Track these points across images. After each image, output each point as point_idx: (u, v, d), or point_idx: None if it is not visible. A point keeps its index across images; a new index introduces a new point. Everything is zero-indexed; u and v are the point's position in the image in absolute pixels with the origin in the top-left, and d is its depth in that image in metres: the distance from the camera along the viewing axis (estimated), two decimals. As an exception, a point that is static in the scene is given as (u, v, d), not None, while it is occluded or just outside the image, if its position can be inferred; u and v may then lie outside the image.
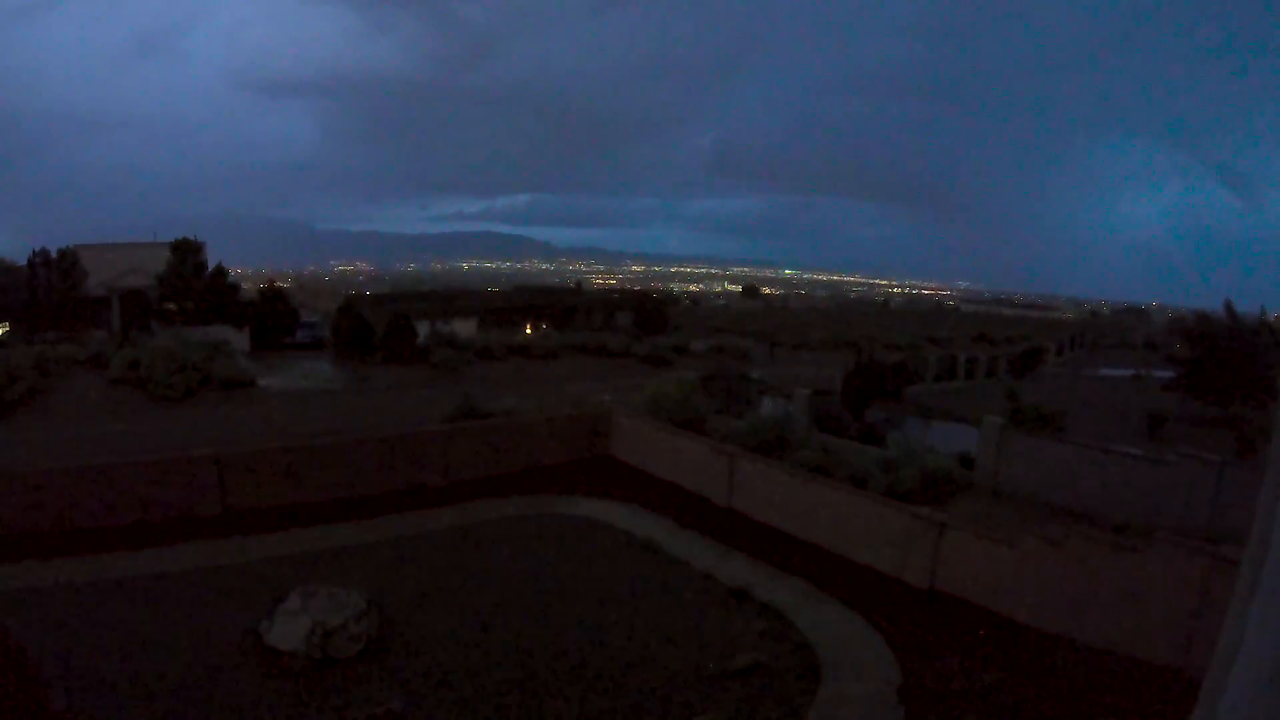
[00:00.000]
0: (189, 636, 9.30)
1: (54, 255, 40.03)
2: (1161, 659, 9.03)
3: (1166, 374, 30.51)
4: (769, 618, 10.40)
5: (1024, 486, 15.77)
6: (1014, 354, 43.09)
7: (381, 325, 35.17)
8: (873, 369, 27.43)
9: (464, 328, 41.36)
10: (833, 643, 9.75)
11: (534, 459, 17.29)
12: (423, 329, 36.54)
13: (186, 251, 40.82)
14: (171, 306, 40.03)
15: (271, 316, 39.90)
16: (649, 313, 54.14)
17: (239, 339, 36.31)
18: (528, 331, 45.45)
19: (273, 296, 42.03)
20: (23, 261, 40.46)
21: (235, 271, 50.16)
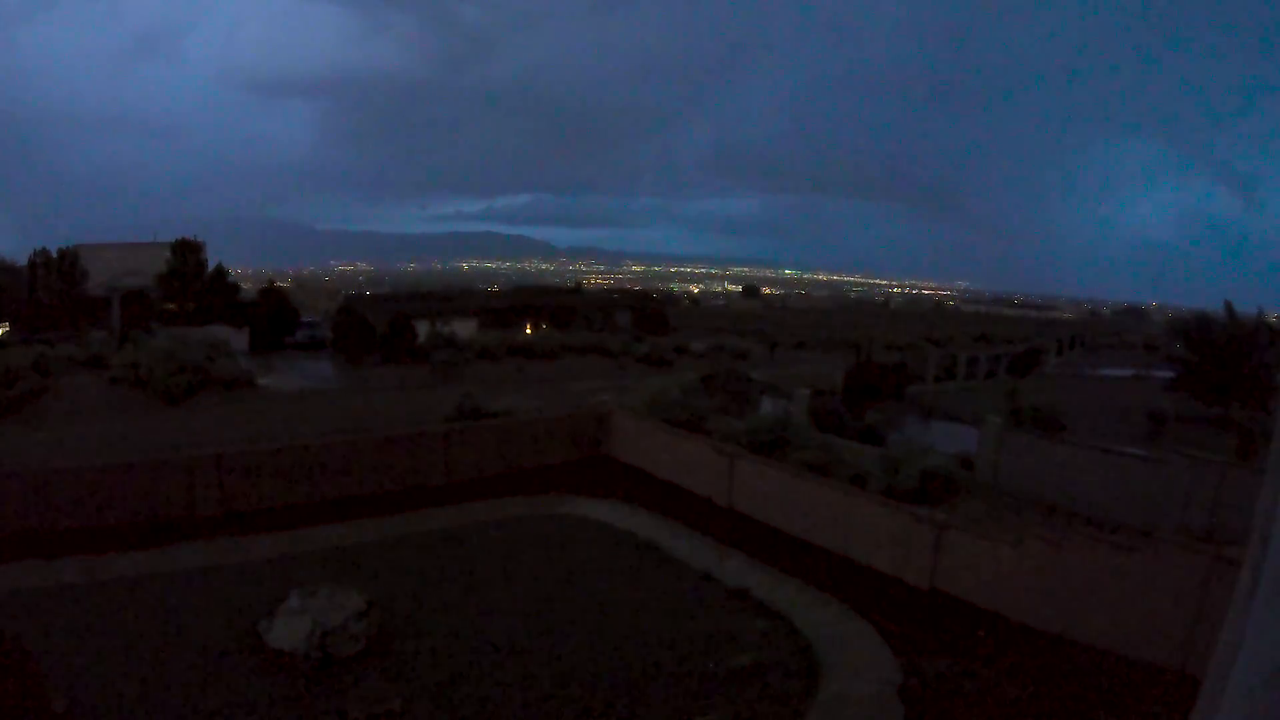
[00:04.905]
0: (189, 636, 9.30)
1: (54, 255, 40.02)
2: (1161, 659, 9.03)
3: (1166, 374, 30.50)
4: (769, 618, 10.40)
5: (1024, 486, 15.75)
6: (1014, 354, 43.10)
7: (381, 325, 35.18)
8: (873, 369, 27.45)
9: (464, 328, 41.34)
10: (833, 643, 9.75)
11: (534, 459, 17.28)
12: (423, 329, 36.52)
13: (186, 251, 40.86)
14: (171, 306, 40.05)
15: (271, 316, 39.89)
16: (649, 313, 54.19)
17: (238, 339, 36.28)
18: (528, 331, 45.47)
19: (273, 296, 42.05)
20: (23, 261, 40.47)
21: (235, 271, 50.18)
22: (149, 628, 9.54)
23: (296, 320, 41.60)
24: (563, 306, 52.52)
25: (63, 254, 40.26)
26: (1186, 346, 28.89)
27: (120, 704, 7.83)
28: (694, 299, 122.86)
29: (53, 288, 39.41)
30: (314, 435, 17.25)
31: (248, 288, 50.42)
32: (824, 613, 10.66)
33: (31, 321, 37.75)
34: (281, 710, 7.84)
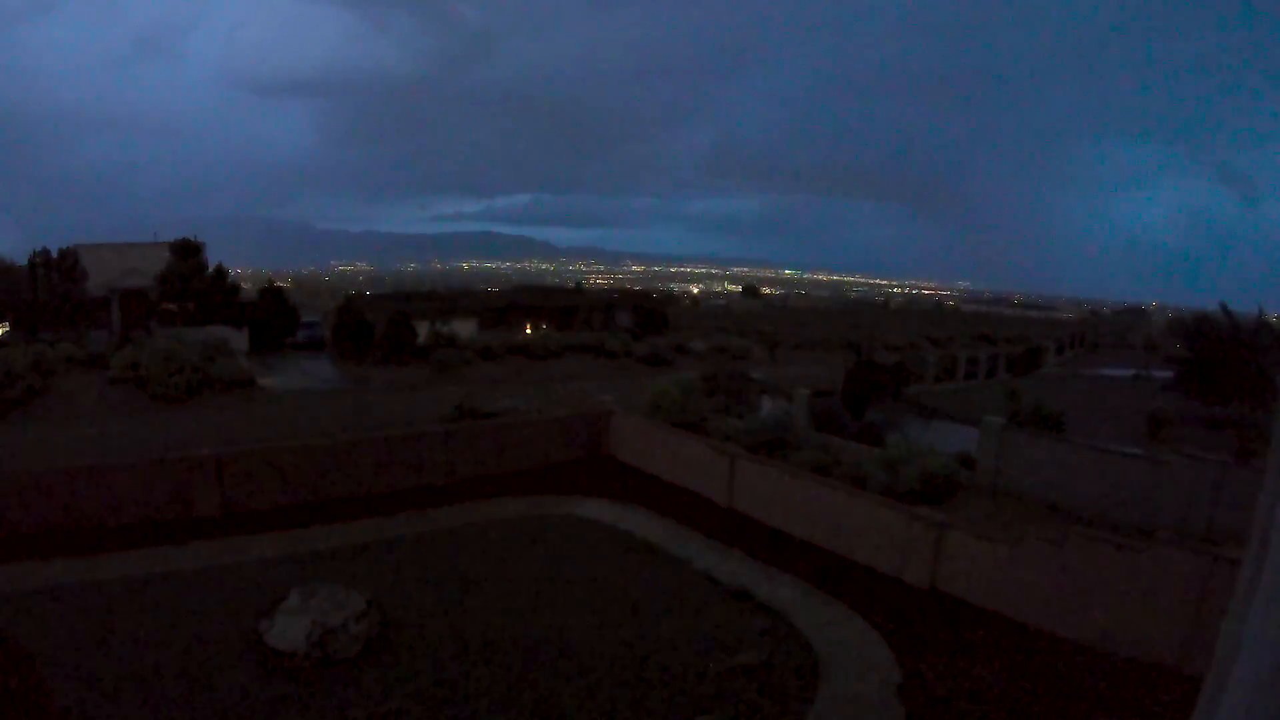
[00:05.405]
0: (189, 636, 9.30)
1: (54, 255, 39.96)
2: (1161, 659, 9.04)
3: (1166, 374, 30.53)
4: (769, 618, 10.40)
5: (1024, 486, 15.76)
6: (1014, 354, 43.12)
7: (381, 325, 35.18)
8: (872, 369, 27.42)
9: (464, 328, 41.34)
10: (833, 643, 9.75)
11: (534, 459, 17.28)
12: (423, 329, 36.53)
13: (186, 251, 40.78)
14: (171, 306, 40.00)
15: (271, 316, 39.86)
16: (649, 313, 54.08)
17: (238, 339, 36.29)
18: (528, 331, 45.44)
19: (273, 296, 41.98)
20: (23, 261, 40.39)
21: (235, 271, 50.08)
22: (148, 628, 9.53)
23: (296, 320, 41.60)
24: (563, 306, 52.46)
25: (63, 254, 40.17)
26: (1186, 346, 28.91)
27: (120, 704, 7.83)
28: (694, 299, 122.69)
29: (53, 288, 39.34)
30: (314, 435, 17.25)
31: (248, 288, 50.31)
32: (824, 613, 10.66)
33: (31, 321, 37.70)
34: (281, 710, 7.84)
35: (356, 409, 23.78)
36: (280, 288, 47.20)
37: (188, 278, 39.93)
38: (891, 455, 15.58)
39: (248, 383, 26.42)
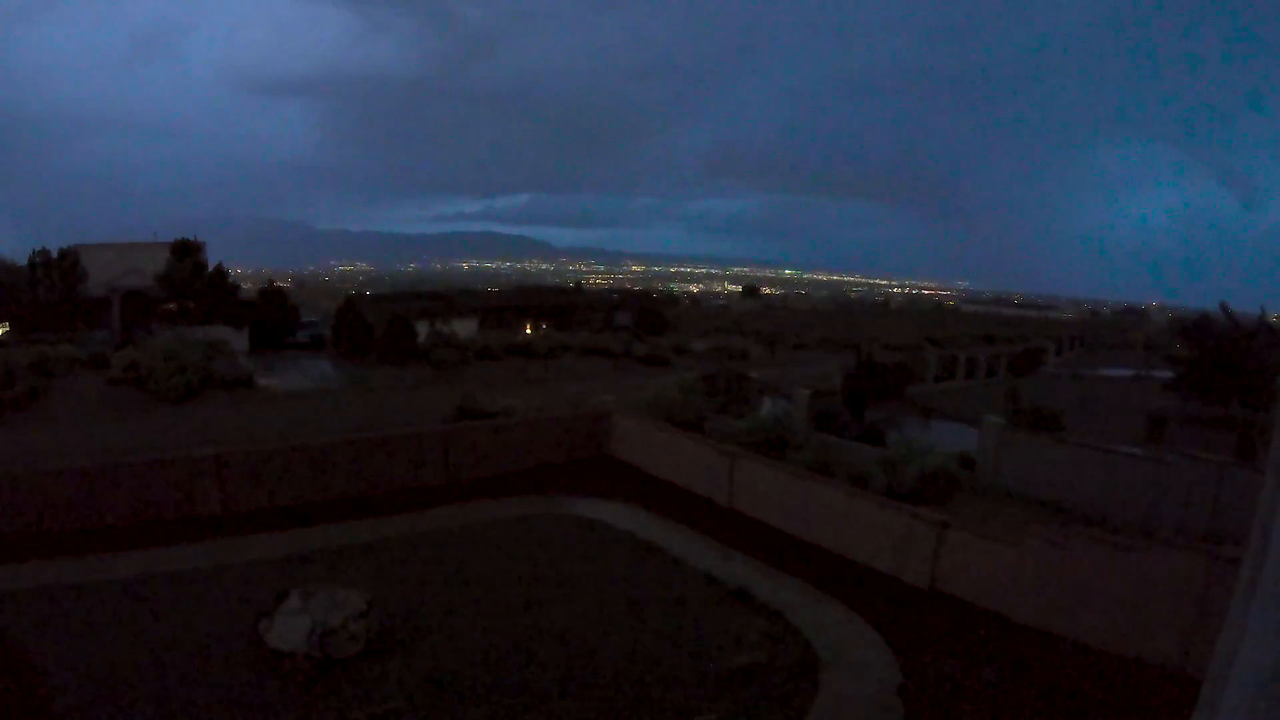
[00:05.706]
0: (189, 636, 9.29)
1: (54, 255, 39.97)
2: (1161, 659, 9.04)
3: (1166, 374, 30.51)
4: (769, 618, 10.40)
5: (1024, 486, 15.77)
6: (1014, 354, 43.15)
7: (381, 325, 35.17)
8: (872, 369, 27.47)
9: (464, 328, 41.32)
10: (833, 643, 9.75)
11: (534, 459, 17.28)
12: (423, 329, 36.52)
13: (186, 251, 40.80)
14: (171, 306, 40.02)
15: (271, 316, 39.90)
16: (648, 313, 54.11)
17: (238, 339, 36.32)
18: (528, 331, 45.44)
19: (273, 296, 42.01)
20: (23, 261, 40.40)
21: (235, 271, 50.12)
22: (149, 628, 9.53)
23: (296, 320, 41.63)
24: (563, 306, 52.47)
25: (63, 254, 40.17)
26: (1187, 346, 28.91)
27: (120, 704, 7.83)
28: (694, 299, 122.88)
29: (53, 288, 39.35)
30: (314, 435, 17.25)
31: (248, 288, 50.38)
32: (824, 613, 10.67)
33: (31, 321, 37.71)
34: (281, 710, 7.84)
35: (356, 409, 23.78)
36: (280, 288, 47.24)
37: (188, 278, 39.95)
38: (891, 455, 15.57)
39: (248, 383, 26.41)
